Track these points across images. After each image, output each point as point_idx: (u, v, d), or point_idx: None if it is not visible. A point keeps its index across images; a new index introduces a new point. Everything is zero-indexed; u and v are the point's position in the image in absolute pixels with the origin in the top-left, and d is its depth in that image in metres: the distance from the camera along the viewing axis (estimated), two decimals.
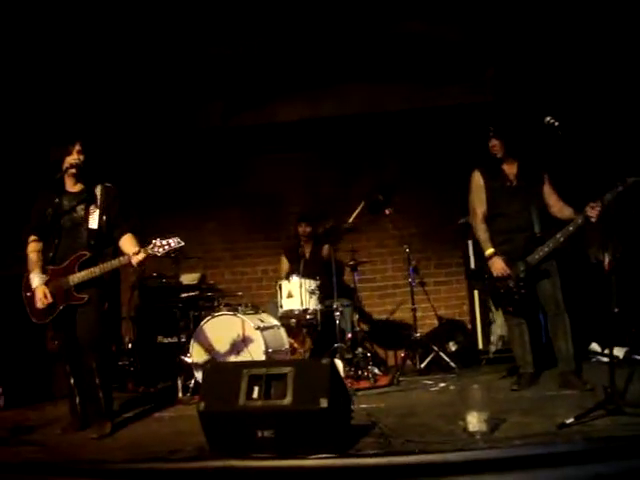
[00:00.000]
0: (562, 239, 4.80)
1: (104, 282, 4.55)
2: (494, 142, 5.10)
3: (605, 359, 5.83)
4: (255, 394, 3.35)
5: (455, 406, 4.47)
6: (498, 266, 4.92)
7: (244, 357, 5.51)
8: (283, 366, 3.42)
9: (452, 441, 3.37)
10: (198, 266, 7.16)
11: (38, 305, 4.44)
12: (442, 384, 5.58)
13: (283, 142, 8.09)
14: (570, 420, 3.45)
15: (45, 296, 4.43)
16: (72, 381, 4.63)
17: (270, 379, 3.37)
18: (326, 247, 6.84)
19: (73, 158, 4.53)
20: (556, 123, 4.26)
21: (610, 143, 6.45)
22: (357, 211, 6.48)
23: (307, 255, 7.07)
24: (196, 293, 6.53)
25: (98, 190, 4.63)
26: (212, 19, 6.66)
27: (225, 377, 3.45)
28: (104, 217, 4.58)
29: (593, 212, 4.64)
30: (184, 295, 6.45)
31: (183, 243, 4.44)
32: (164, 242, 4.37)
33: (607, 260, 3.95)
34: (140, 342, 7.18)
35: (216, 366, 3.75)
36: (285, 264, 7.10)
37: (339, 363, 5.27)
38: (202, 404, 3.39)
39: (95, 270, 4.41)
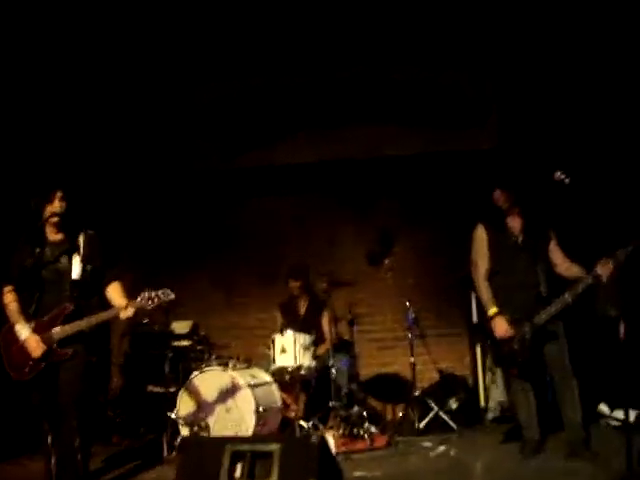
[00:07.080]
0: (570, 299, 4.53)
1: (90, 335, 4.34)
2: (498, 193, 4.90)
3: (615, 422, 5.57)
4: (238, 473, 3.09)
5: (454, 475, 4.21)
6: (502, 327, 4.65)
7: (233, 415, 5.25)
8: (269, 442, 3.15)
9: None
10: (190, 313, 6.93)
11: (36, 354, 4.19)
12: (442, 447, 5.32)
13: (280, 186, 7.88)
14: None
15: (39, 344, 4.20)
16: (50, 440, 4.36)
17: (255, 457, 3.11)
18: (326, 316, 6.58)
19: (54, 206, 4.37)
20: (567, 180, 4.06)
21: (618, 199, 6.23)
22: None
23: (302, 311, 6.81)
24: (187, 343, 6.32)
25: (80, 238, 4.45)
26: (209, 58, 6.60)
27: (206, 453, 3.19)
28: (88, 266, 4.41)
29: (604, 270, 4.40)
30: (175, 344, 6.27)
31: (173, 296, 4.27)
32: (153, 294, 4.21)
33: (623, 329, 3.68)
34: (128, 391, 6.98)
35: (196, 440, 3.49)
36: (279, 320, 6.83)
37: (330, 439, 4.93)
38: None
39: (81, 324, 4.24)
